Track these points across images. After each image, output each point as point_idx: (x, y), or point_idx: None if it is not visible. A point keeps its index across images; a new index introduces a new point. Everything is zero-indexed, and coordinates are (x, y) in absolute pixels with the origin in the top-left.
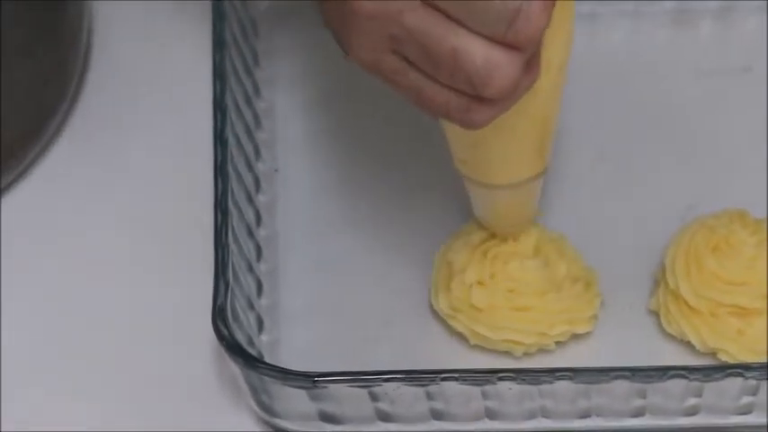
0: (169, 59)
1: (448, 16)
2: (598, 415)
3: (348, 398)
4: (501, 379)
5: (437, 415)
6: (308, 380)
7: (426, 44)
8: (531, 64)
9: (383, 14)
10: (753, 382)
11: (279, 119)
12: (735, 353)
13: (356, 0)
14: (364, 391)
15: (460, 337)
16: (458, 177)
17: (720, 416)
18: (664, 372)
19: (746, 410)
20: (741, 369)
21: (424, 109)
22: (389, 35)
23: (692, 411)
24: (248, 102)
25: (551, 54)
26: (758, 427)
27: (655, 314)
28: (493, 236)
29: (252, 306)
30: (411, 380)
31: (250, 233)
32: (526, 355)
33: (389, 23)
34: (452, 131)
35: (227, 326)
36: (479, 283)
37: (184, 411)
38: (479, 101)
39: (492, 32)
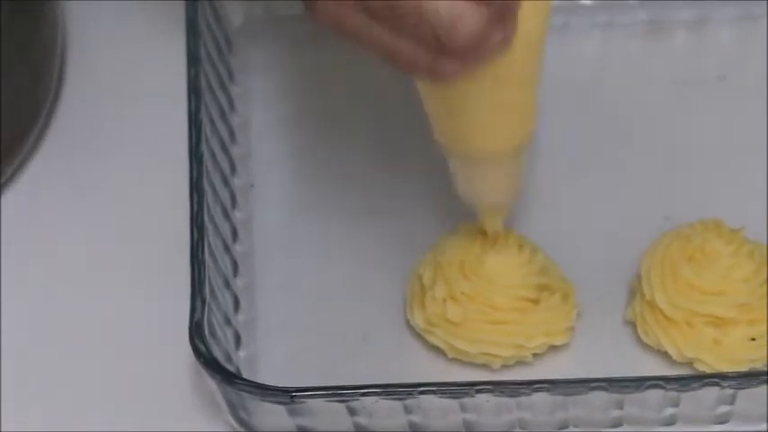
0: (144, 75)
1: None
2: (576, 426)
3: (326, 412)
4: (479, 392)
5: (415, 428)
6: (286, 395)
7: None
8: (505, 20)
9: None
10: (729, 392)
11: (254, 134)
12: (711, 362)
13: None
14: (342, 406)
15: (438, 351)
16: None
17: (698, 425)
18: (641, 382)
19: (724, 419)
20: (718, 378)
21: (392, 65)
22: None
23: (670, 421)
24: (223, 117)
25: (528, 23)
26: None
27: (631, 324)
28: (466, 249)
29: (229, 322)
30: (389, 394)
31: (226, 249)
32: (504, 367)
33: None
34: (430, 100)
35: (204, 342)
36: (452, 298)
37: (162, 426)
38: (447, 53)
39: None
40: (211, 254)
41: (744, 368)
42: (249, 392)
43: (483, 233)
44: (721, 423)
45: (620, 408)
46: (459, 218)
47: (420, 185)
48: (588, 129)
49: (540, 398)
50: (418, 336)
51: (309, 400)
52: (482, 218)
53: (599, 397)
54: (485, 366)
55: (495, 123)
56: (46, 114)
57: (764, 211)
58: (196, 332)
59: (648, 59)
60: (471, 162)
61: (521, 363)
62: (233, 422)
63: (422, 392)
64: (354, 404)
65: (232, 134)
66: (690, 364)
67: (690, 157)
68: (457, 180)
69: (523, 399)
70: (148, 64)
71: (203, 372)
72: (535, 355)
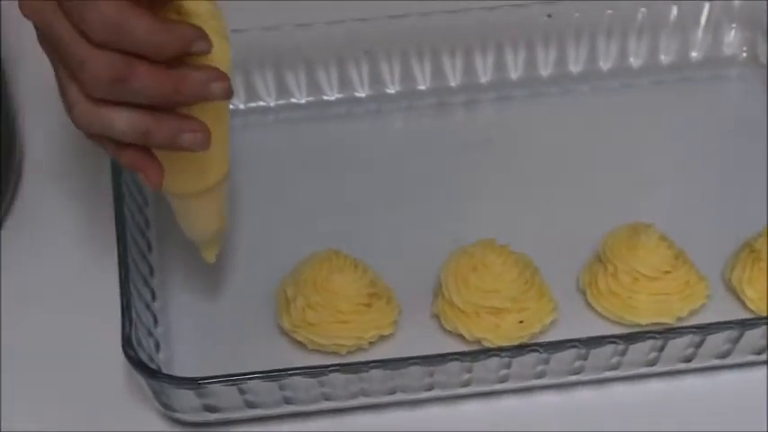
0: (78, 185)
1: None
2: (402, 391)
3: (223, 393)
4: (331, 371)
5: (288, 400)
6: (194, 383)
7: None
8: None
9: (34, 11)
10: (507, 360)
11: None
12: (493, 340)
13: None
14: (234, 388)
15: (301, 345)
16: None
17: (486, 385)
18: (445, 357)
19: (504, 380)
20: (498, 351)
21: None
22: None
23: (467, 383)
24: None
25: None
26: (511, 390)
27: (437, 317)
28: (317, 270)
29: (151, 334)
30: (268, 378)
31: (145, 282)
32: (349, 353)
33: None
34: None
35: (133, 349)
36: (309, 306)
37: (106, 410)
38: (93, 102)
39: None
40: (135, 286)
41: (516, 343)
42: (167, 383)
43: (329, 258)
44: (502, 383)
45: (431, 376)
46: (310, 247)
47: (277, 230)
48: (397, 179)
49: (375, 373)
50: (286, 335)
51: (210, 386)
52: (202, 251)
53: (416, 369)
54: (335, 353)
55: (200, 163)
56: (8, 201)
57: (523, 229)
58: (127, 343)
59: (436, 130)
60: (185, 199)
61: (360, 349)
62: (158, 405)
63: (291, 375)
64: (243, 386)
65: (145, 199)
66: (478, 342)
67: (470, 195)
68: (178, 219)
69: (363, 374)
70: (82, 180)
71: (134, 370)
72: (370, 343)
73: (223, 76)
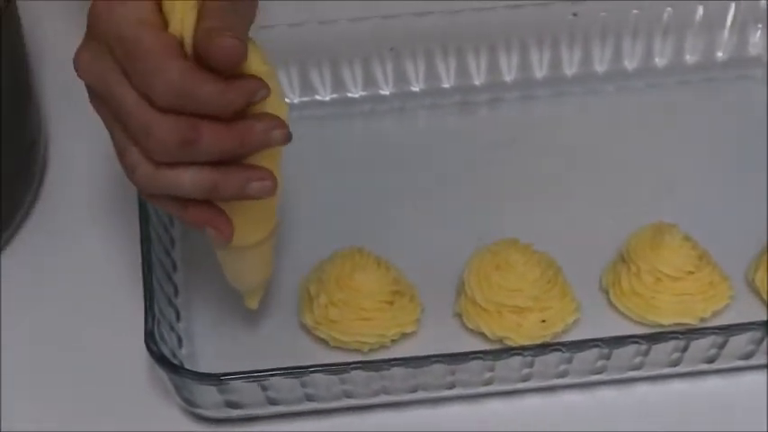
0: (102, 181)
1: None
2: (423, 389)
3: (245, 390)
4: (353, 369)
5: (309, 397)
6: (216, 379)
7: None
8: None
9: (92, 73)
10: (529, 359)
11: None
12: (516, 339)
13: (79, 51)
14: (256, 384)
15: (323, 342)
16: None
17: (508, 384)
18: (467, 355)
19: (526, 378)
20: (520, 350)
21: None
22: (98, 97)
23: (488, 382)
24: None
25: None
26: (533, 390)
27: (459, 315)
28: (340, 268)
29: (173, 329)
30: (289, 374)
31: (168, 277)
32: (371, 350)
33: (95, 82)
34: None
35: (155, 344)
36: (332, 303)
37: (128, 404)
38: (155, 164)
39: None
40: (158, 281)
41: (538, 342)
42: (189, 378)
43: (352, 256)
44: (524, 382)
45: (453, 374)
46: (333, 246)
47: (300, 227)
48: (421, 177)
49: (396, 371)
50: (308, 332)
51: (232, 382)
52: (246, 298)
53: (438, 368)
54: (357, 351)
55: (253, 219)
56: (32, 194)
57: (546, 228)
58: (149, 338)
59: (460, 128)
60: (238, 251)
61: (383, 347)
62: (179, 400)
63: (313, 371)
64: (265, 383)
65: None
66: (500, 341)
67: (494, 194)
68: (225, 270)
69: (385, 372)
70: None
71: (156, 365)
72: (392, 341)
73: (282, 123)
